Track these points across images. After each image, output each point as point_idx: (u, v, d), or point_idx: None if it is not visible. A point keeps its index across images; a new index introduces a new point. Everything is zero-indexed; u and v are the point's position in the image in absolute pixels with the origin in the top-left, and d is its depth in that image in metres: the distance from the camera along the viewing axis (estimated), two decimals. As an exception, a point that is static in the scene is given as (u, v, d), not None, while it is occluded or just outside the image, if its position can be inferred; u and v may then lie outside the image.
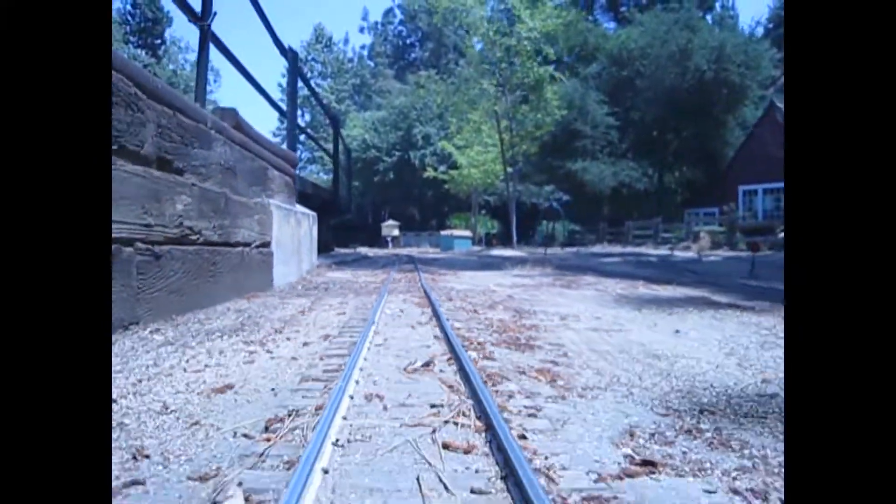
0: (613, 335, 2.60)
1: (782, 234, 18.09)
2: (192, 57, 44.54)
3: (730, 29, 38.94)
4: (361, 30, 52.14)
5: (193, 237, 3.16)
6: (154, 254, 2.70)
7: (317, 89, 38.82)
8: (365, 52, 41.58)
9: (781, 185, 23.49)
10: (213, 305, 3.35)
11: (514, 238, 17.71)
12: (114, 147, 2.39)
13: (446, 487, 1.02)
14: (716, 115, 26.49)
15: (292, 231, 5.43)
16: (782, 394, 1.61)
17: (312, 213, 6.54)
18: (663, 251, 13.74)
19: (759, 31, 39.08)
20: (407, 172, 30.67)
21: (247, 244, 4.04)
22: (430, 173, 22.90)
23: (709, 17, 37.98)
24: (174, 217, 2.92)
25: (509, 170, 18.86)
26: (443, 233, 22.10)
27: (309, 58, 39.95)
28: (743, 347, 2.34)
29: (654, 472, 1.09)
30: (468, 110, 18.66)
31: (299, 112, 41.61)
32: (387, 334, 2.55)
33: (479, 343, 2.33)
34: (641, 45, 26.82)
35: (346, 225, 18.08)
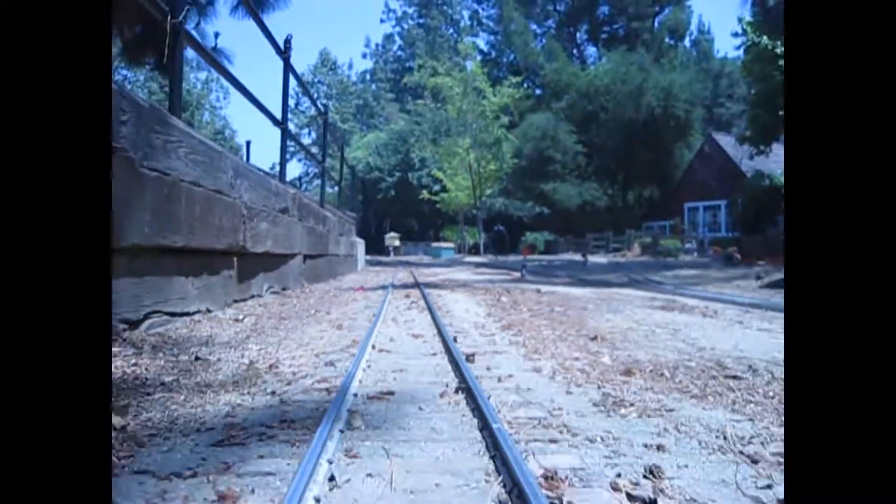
0: (451, 274, 12.57)
1: (687, 245, 28.25)
2: (203, 75, 55.39)
3: (704, 52, 49.33)
4: (364, 55, 62.54)
5: (348, 254, 13.14)
6: (343, 259, 12.68)
7: (321, 108, 49.06)
8: (367, 76, 51.96)
9: (716, 202, 33.62)
10: (351, 273, 13.33)
11: (481, 249, 27.79)
12: (338, 232, 12.29)
13: (403, 276, 10.95)
14: (666, 144, 36.33)
15: (358, 248, 15.37)
16: (473, 278, 11.35)
17: (362, 240, 16.49)
18: (609, 258, 22.86)
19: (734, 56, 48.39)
20: (406, 190, 40.58)
21: (352, 255, 14.03)
22: (424, 196, 32.92)
23: (686, 42, 47.87)
24: (346, 248, 12.90)
25: (484, 191, 28.98)
26: (433, 244, 32.29)
27: (315, 80, 50.31)
28: (480, 277, 12.23)
29: (447, 276, 11.00)
30: (449, 159, 28.88)
31: (305, 130, 51.66)
32: (400, 278, 12.46)
33: (422, 275, 12.22)
34: (605, 83, 36.76)
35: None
